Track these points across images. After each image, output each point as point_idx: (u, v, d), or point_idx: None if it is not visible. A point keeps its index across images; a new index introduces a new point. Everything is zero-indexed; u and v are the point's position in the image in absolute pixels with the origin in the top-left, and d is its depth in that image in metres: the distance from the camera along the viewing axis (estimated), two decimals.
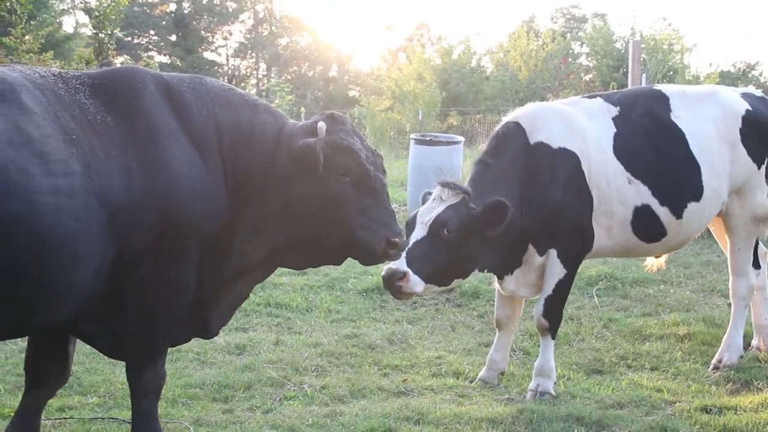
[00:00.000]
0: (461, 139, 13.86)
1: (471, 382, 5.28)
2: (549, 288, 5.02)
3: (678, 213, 5.20)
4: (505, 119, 5.24)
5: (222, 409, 4.72)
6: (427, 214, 4.75)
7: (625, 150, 5.13)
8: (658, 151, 5.20)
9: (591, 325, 6.57)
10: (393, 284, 4.59)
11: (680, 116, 5.32)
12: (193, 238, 3.67)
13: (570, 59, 34.91)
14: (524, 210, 4.90)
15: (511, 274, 5.08)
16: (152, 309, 3.68)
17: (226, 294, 4.01)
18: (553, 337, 5.12)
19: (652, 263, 6.03)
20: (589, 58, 35.60)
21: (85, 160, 3.33)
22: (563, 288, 5.05)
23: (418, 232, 4.72)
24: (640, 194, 5.11)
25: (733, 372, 5.29)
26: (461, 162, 13.57)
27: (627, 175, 5.09)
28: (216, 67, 49.99)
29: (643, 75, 13.26)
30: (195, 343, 6.05)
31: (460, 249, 4.73)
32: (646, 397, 4.82)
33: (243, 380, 5.19)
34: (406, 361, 5.71)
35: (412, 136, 13.83)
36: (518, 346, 6.02)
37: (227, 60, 52.82)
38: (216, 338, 6.19)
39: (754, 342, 5.82)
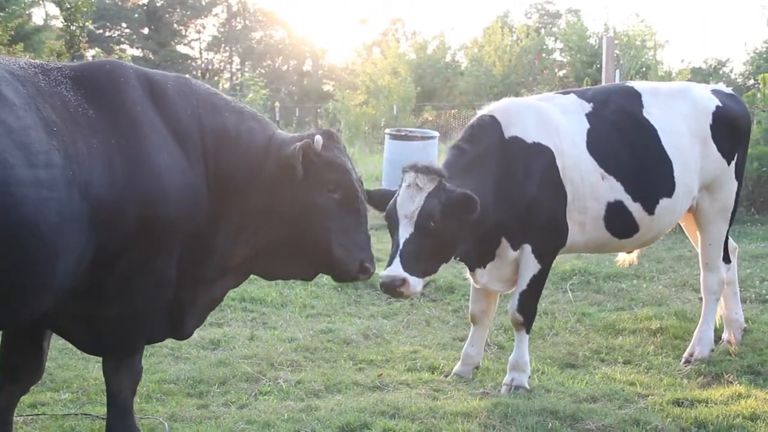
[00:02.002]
0: (436, 134, 13.90)
1: (446, 376, 5.30)
2: (523, 283, 5.05)
3: (650, 209, 5.25)
4: (480, 112, 5.24)
5: (197, 405, 4.71)
6: (408, 206, 4.61)
7: (598, 146, 5.16)
8: (631, 147, 5.25)
9: (565, 320, 6.62)
10: (394, 291, 4.59)
11: (652, 113, 5.37)
12: (175, 232, 3.67)
13: (544, 55, 35.07)
14: (498, 203, 4.90)
15: (484, 267, 5.09)
16: (133, 303, 3.66)
17: (203, 295, 4.02)
18: (528, 332, 5.15)
19: (624, 259, 6.07)
20: (563, 54, 35.82)
21: (66, 152, 3.29)
22: (538, 283, 5.08)
23: (405, 229, 4.60)
24: (613, 190, 5.15)
25: (704, 365, 5.36)
26: (436, 157, 13.58)
27: (600, 171, 5.12)
28: (189, 61, 49.70)
29: (617, 71, 13.36)
30: (169, 339, 6.03)
31: (444, 235, 4.68)
32: (619, 391, 4.87)
33: (218, 375, 5.17)
34: (381, 355, 5.72)
35: (387, 131, 13.85)
36: (493, 341, 6.06)
37: (200, 53, 52.54)
38: None
39: (725, 336, 5.91)
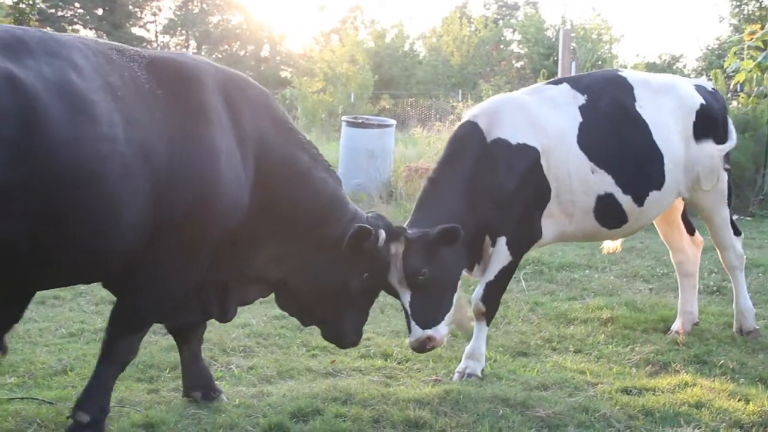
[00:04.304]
0: (393, 122, 13.91)
1: (399, 363, 5.32)
2: (491, 273, 5.07)
3: (640, 201, 5.34)
4: (465, 116, 5.31)
5: (147, 389, 4.65)
6: (395, 276, 4.68)
7: (590, 140, 5.21)
8: (622, 140, 5.31)
9: (518, 309, 6.68)
10: (425, 351, 4.81)
11: (644, 106, 5.44)
12: (216, 222, 3.86)
13: (502, 46, 35.27)
14: (479, 206, 4.95)
15: (479, 263, 5.17)
16: (161, 278, 3.86)
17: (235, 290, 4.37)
18: (488, 324, 5.18)
19: (609, 246, 6.21)
20: (521, 46, 36.08)
21: (127, 115, 3.52)
22: (505, 275, 5.11)
23: (404, 295, 4.71)
24: (604, 183, 5.22)
25: (652, 355, 5.45)
26: (392, 145, 13.62)
27: (591, 165, 5.18)
28: (144, 44, 48.89)
29: (573, 63, 13.50)
30: None
31: (441, 273, 4.75)
32: (570, 379, 4.93)
33: (169, 360, 5.12)
34: None
35: (344, 118, 13.82)
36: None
37: (156, 36, 51.78)
38: None
39: (674, 326, 6.02)
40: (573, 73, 13.41)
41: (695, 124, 5.59)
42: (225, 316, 4.42)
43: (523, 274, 7.73)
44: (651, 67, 26.57)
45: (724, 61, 12.43)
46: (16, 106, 3.17)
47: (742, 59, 11.31)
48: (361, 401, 4.44)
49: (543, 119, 5.17)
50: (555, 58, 22.40)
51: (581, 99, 5.35)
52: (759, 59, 11.03)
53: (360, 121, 13.47)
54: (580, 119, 5.26)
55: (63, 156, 3.27)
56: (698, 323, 6.10)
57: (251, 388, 4.74)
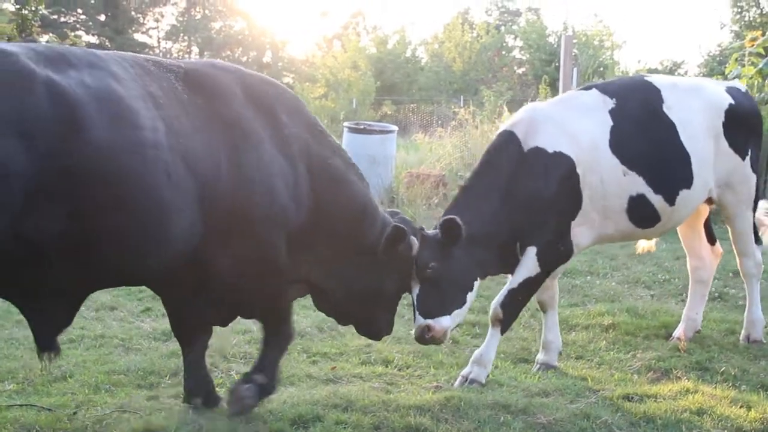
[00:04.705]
0: (395, 128, 13.90)
1: (399, 369, 5.30)
2: (515, 282, 5.09)
3: (671, 200, 5.40)
4: (502, 126, 5.42)
5: (147, 396, 4.64)
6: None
7: (621, 143, 5.28)
8: (652, 141, 5.38)
9: (519, 315, 6.63)
10: (424, 341, 4.87)
11: (671, 108, 5.49)
12: (267, 228, 4.01)
13: (504, 52, 35.29)
14: (510, 210, 5.01)
15: (510, 270, 5.21)
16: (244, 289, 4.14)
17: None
18: (503, 332, 5.18)
19: (643, 245, 6.25)
20: (523, 52, 36.10)
21: (170, 123, 3.63)
22: (529, 286, 5.12)
23: (414, 289, 4.86)
24: (635, 184, 5.29)
25: (654, 361, 5.43)
26: (394, 151, 13.60)
27: (623, 168, 5.26)
28: (147, 50, 48.96)
29: (575, 70, 13.50)
30: (120, 329, 5.96)
31: (453, 271, 4.85)
32: (571, 386, 4.90)
33: (169, 367, 5.12)
34: (336, 348, 5.70)
35: (346, 124, 13.81)
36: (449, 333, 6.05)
37: (159, 42, 51.88)
38: (142, 324, 6.13)
39: (676, 332, 6.00)
40: (574, 80, 13.41)
41: (724, 124, 5.64)
42: None
43: None
44: (652, 73, 26.57)
45: (725, 67, 12.40)
46: (57, 113, 3.26)
47: (743, 66, 11.29)
48: (361, 408, 4.42)
49: (576, 128, 5.25)
50: (557, 65, 22.40)
51: (610, 103, 5.41)
52: (760, 66, 11.01)
53: (362, 127, 13.46)
54: (611, 123, 5.33)
55: (104, 160, 3.36)
56: (700, 331, 6.08)
57: None
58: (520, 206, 5.03)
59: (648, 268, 8.40)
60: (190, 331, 4.39)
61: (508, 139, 5.21)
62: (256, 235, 3.97)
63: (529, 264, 5.07)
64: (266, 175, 3.94)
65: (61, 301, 3.80)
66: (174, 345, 5.56)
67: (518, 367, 5.42)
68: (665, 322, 6.31)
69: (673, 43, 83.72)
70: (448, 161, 13.38)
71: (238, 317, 4.59)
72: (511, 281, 5.11)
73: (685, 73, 34.79)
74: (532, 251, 5.06)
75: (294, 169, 4.10)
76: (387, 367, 5.37)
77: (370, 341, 5.83)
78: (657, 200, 5.36)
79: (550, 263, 5.16)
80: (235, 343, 5.70)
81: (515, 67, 34.08)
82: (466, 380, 4.98)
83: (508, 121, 5.51)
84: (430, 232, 4.89)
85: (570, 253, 5.22)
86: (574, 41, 16.64)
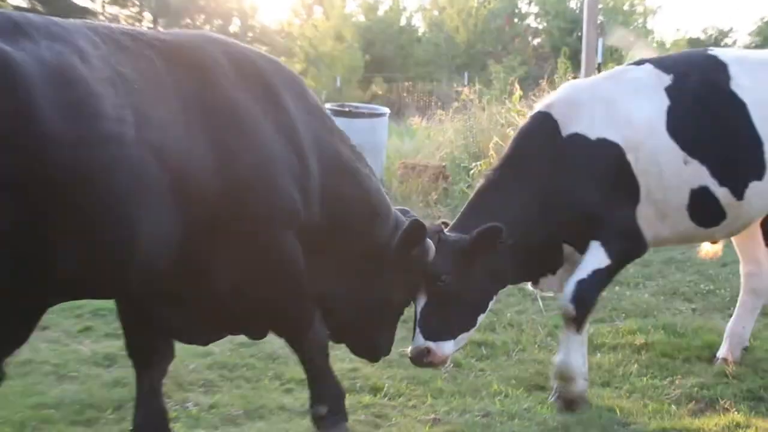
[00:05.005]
0: (386, 110, 13.94)
1: (390, 399, 5.28)
2: (584, 272, 5.06)
3: (739, 193, 5.36)
4: (536, 107, 5.41)
5: None
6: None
7: (680, 127, 5.27)
8: (716, 124, 5.36)
9: (534, 333, 6.64)
10: (422, 364, 4.96)
11: (741, 84, 5.46)
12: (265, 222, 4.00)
13: (516, 20, 35.38)
14: (547, 208, 5.03)
15: (554, 273, 5.27)
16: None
17: None
18: (579, 330, 5.14)
19: (707, 250, 6.22)
20: (538, 20, 36.18)
21: (144, 111, 3.57)
22: (602, 276, 5.11)
23: (419, 302, 4.89)
24: (698, 175, 5.26)
25: (696, 389, 5.42)
26: (386, 138, 13.62)
27: (683, 155, 5.24)
28: (88, 16, 48.91)
29: (600, 40, 13.49)
30: (52, 354, 5.91)
31: (470, 285, 4.86)
32: (596, 418, 4.89)
33: (112, 398, 5.08)
34: None
35: (329, 106, 13.81)
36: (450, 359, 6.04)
37: (103, 7, 51.63)
38: (80, 346, 6.09)
39: (720, 352, 5.95)
40: (600, 53, 13.39)
41: None
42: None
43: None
44: (694, 43, 26.71)
45: None
46: (7, 89, 3.19)
47: None
48: None
49: (626, 110, 5.24)
50: (579, 34, 22.48)
51: (666, 79, 5.39)
52: None
53: (347, 109, 13.50)
54: (668, 102, 5.31)
55: (56, 157, 3.29)
56: (747, 348, 6.06)
57: (212, 430, 4.72)
58: (560, 205, 5.04)
59: (688, 276, 8.40)
60: (153, 351, 4.36)
61: (544, 122, 5.21)
62: (256, 237, 3.98)
63: (597, 254, 5.07)
64: (265, 167, 3.94)
65: (11, 316, 3.72)
66: (119, 371, 5.54)
67: (532, 395, 5.40)
68: (709, 341, 6.29)
69: (717, 8, 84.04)
70: (449, 150, 13.40)
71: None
72: (578, 272, 5.08)
73: (734, 42, 34.92)
74: (596, 244, 5.07)
75: (302, 160, 4.10)
76: (375, 395, 5.35)
77: (354, 364, 5.81)
78: (722, 193, 5.32)
79: (620, 256, 5.17)
80: (193, 367, 5.67)
81: (530, 38, 34.15)
82: (560, 400, 5.07)
83: (543, 101, 5.50)
84: (452, 235, 4.87)
85: (644, 243, 5.22)
86: (600, 6, 16.66)
